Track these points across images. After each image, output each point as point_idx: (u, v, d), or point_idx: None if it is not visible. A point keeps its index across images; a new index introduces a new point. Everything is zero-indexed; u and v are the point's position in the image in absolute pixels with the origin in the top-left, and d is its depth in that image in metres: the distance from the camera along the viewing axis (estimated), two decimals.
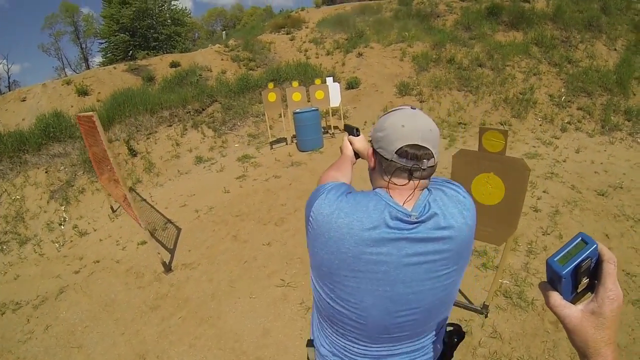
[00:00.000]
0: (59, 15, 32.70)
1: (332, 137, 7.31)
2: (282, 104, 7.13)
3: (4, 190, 6.05)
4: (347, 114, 8.40)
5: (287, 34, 12.93)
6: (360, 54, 10.49)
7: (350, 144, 1.25)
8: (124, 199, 3.66)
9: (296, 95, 6.89)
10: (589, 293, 0.56)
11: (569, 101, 7.48)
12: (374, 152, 0.90)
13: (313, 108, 6.58)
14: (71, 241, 4.88)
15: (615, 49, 8.72)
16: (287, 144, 7.21)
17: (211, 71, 10.27)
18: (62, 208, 5.81)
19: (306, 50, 11.51)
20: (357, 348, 0.91)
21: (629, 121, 6.75)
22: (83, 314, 3.31)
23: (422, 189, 0.86)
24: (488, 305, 2.52)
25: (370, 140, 0.94)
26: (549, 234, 3.53)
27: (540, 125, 7.07)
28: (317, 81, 7.14)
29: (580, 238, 0.55)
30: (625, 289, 2.76)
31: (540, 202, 4.14)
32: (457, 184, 0.93)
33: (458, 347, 1.05)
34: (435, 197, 0.84)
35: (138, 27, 20.69)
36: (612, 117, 6.81)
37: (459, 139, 6.56)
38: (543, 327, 2.47)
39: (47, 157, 6.62)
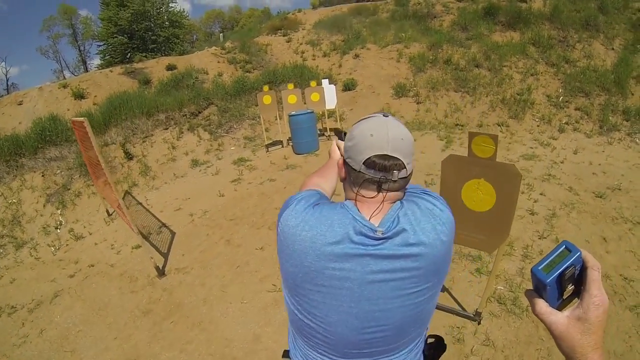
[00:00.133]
0: (57, 17, 32.73)
1: (328, 139, 7.29)
2: (278, 106, 7.11)
3: (0, 194, 6.03)
4: (343, 116, 8.38)
5: (284, 35, 12.91)
6: (356, 56, 10.47)
7: (339, 148, 1.22)
8: (117, 204, 3.64)
9: (291, 97, 6.87)
10: (575, 299, 0.57)
11: (566, 101, 7.45)
12: (344, 162, 0.86)
13: (308, 110, 6.55)
14: (67, 245, 4.87)
15: (613, 49, 8.69)
16: (282, 146, 7.18)
17: (207, 74, 10.25)
18: (59, 212, 5.80)
19: (303, 52, 11.49)
20: None
21: (627, 121, 6.72)
22: (77, 318, 3.32)
23: (393, 202, 0.82)
24: (481, 312, 2.48)
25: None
26: (545, 238, 3.48)
27: (538, 126, 7.04)
28: (313, 83, 7.12)
29: (564, 246, 0.56)
30: (622, 295, 2.72)
31: (537, 204, 4.10)
32: (435, 195, 0.89)
33: (449, 357, 1.02)
34: (406, 210, 0.80)
35: (136, 29, 20.72)
36: (610, 117, 6.77)
37: (455, 141, 6.53)
38: (537, 335, 2.42)
39: (44, 161, 6.60)
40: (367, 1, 15.53)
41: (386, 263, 0.76)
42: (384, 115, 0.83)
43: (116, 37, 20.69)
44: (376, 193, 0.80)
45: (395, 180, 0.78)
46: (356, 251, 0.76)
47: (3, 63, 45.04)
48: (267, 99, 6.76)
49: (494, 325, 2.53)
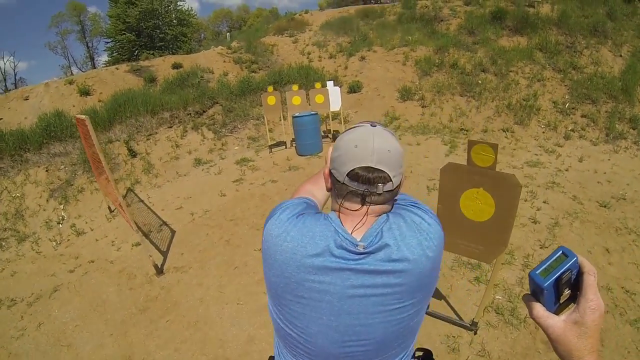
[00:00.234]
0: (66, 14, 33.02)
1: (332, 141, 7.28)
2: (282, 106, 7.10)
3: (4, 187, 6.08)
4: (348, 118, 8.36)
5: (291, 36, 12.92)
6: (363, 58, 10.45)
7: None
8: (117, 202, 3.66)
9: (296, 99, 6.86)
10: (572, 304, 0.58)
11: (573, 108, 7.38)
12: (330, 173, 0.84)
13: (312, 112, 6.55)
14: (68, 240, 4.90)
15: (621, 55, 8.59)
16: (286, 147, 7.18)
17: (213, 73, 10.27)
18: (61, 207, 5.84)
19: (309, 53, 11.49)
20: None
21: (634, 129, 6.63)
22: (74, 313, 3.35)
23: (378, 215, 0.80)
24: (478, 322, 2.45)
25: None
26: (546, 247, 3.44)
27: (544, 132, 6.98)
28: (317, 85, 7.11)
29: (560, 251, 0.58)
30: (623, 308, 2.67)
31: (539, 213, 4.05)
32: (424, 208, 0.86)
33: None
34: (391, 225, 0.77)
35: (144, 27, 20.83)
36: (616, 125, 6.69)
37: (460, 146, 6.49)
38: (534, 347, 2.38)
39: (48, 156, 6.65)
40: (375, 3, 15.49)
41: (367, 278, 0.75)
42: (371, 125, 0.81)
43: (124, 34, 20.81)
44: (360, 206, 0.78)
45: (380, 194, 0.76)
46: (336, 265, 0.75)
47: (11, 57, 45.65)
48: (271, 100, 6.77)
49: (491, 336, 2.49)
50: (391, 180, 0.76)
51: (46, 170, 6.40)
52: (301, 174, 5.78)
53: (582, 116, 7.18)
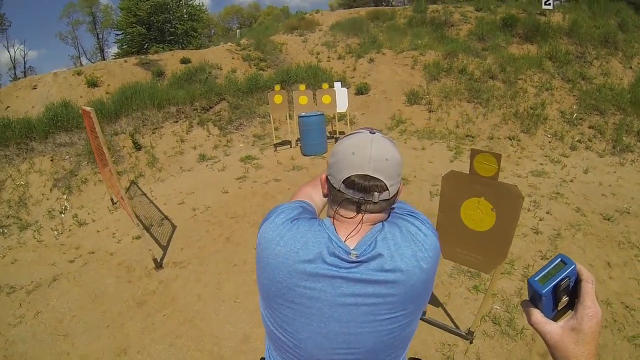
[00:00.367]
0: (78, 4, 33.23)
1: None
2: (289, 105, 7.10)
3: (9, 175, 6.13)
4: (354, 120, 8.35)
5: (300, 35, 12.92)
6: (371, 60, 10.43)
7: None
8: (120, 194, 3.67)
9: (302, 98, 6.86)
10: (569, 311, 0.59)
11: (580, 119, 7.32)
12: (327, 178, 0.83)
13: (319, 112, 6.54)
14: (70, 230, 4.93)
15: (631, 67, 8.51)
16: (291, 146, 7.18)
17: (221, 69, 10.30)
18: (64, 197, 5.88)
19: (318, 53, 11.48)
20: None
21: None
22: (72, 304, 3.37)
23: (373, 224, 0.79)
24: (474, 332, 2.43)
25: None
26: (547, 259, 3.40)
27: (550, 142, 6.92)
28: (325, 85, 7.10)
29: (559, 259, 0.59)
30: (622, 324, 2.64)
31: (542, 223, 4.02)
32: (421, 218, 0.85)
33: None
34: (386, 234, 0.77)
35: (155, 21, 20.89)
36: (624, 138, 6.63)
37: (465, 152, 6.45)
38: (530, 359, 2.37)
39: (53, 146, 6.70)
40: (386, 6, 15.45)
41: (358, 287, 0.74)
42: (370, 132, 0.80)
43: (135, 27, 20.87)
44: (355, 213, 0.77)
45: (375, 202, 0.75)
46: (328, 272, 0.74)
47: (22, 46, 46.01)
48: (278, 99, 6.77)
49: (486, 346, 2.47)
50: (387, 189, 0.76)
51: (51, 160, 6.45)
52: (305, 174, 5.78)
53: (590, 127, 7.12)
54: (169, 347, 2.72)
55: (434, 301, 2.89)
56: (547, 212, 4.27)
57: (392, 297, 0.75)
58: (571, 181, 5.25)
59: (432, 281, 0.82)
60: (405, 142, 7.05)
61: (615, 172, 5.68)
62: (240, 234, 4.16)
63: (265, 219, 0.86)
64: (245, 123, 8.35)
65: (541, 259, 3.41)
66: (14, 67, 32.05)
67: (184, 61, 10.26)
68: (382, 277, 0.73)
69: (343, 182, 0.76)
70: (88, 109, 3.39)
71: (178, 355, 2.64)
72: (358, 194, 0.75)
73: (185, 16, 22.46)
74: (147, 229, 4.54)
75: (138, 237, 4.30)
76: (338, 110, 7.12)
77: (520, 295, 2.93)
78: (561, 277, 0.56)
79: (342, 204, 0.78)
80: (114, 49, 29.98)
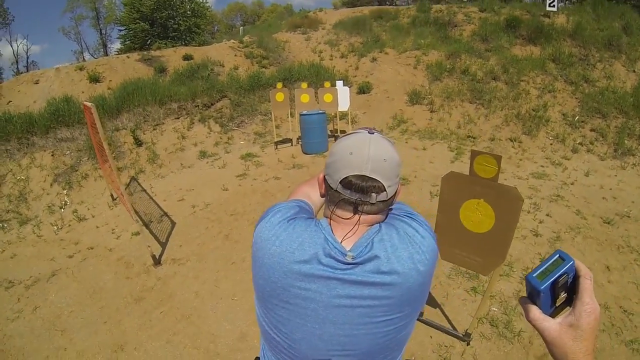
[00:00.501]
0: None
1: None
2: (290, 103, 7.09)
3: (9, 170, 6.14)
4: (355, 119, 8.33)
5: (303, 34, 12.89)
6: (374, 59, 10.40)
7: None
8: (119, 190, 3.67)
9: (304, 96, 6.85)
10: (568, 307, 0.59)
11: (582, 121, 7.29)
12: (324, 178, 0.83)
13: (320, 111, 6.53)
14: (69, 225, 4.93)
15: (634, 71, 8.46)
16: (292, 145, 7.18)
17: (223, 66, 10.28)
18: (65, 192, 5.88)
19: (321, 52, 11.45)
20: None
21: None
22: (71, 299, 3.37)
23: (370, 225, 0.79)
24: (471, 333, 2.42)
25: None
26: None
27: (551, 144, 6.90)
28: (327, 84, 7.09)
29: (558, 255, 0.58)
30: (620, 328, 2.63)
31: (541, 226, 4.01)
32: (419, 219, 0.84)
33: None
34: (383, 236, 0.76)
35: (158, 17, 20.86)
36: (625, 141, 6.60)
37: (466, 153, 6.44)
38: None
39: (54, 141, 6.70)
40: (389, 5, 15.40)
41: (354, 289, 0.73)
42: (369, 132, 0.79)
43: (138, 23, 20.84)
44: (352, 214, 0.76)
45: (372, 203, 0.74)
46: (323, 273, 0.73)
47: (25, 40, 46.07)
48: (279, 96, 6.76)
49: (483, 348, 2.47)
50: (385, 190, 0.75)
51: (52, 155, 6.45)
52: (305, 172, 5.77)
53: (592, 130, 7.09)
54: (166, 344, 2.73)
55: (432, 302, 2.89)
56: (547, 215, 4.26)
57: (388, 300, 0.74)
58: (572, 184, 5.24)
59: (429, 284, 0.81)
60: (407, 142, 7.03)
61: (616, 175, 5.66)
62: (239, 232, 4.16)
63: (262, 218, 0.85)
64: (246, 120, 8.35)
65: (540, 261, 3.39)
66: (17, 62, 32.06)
67: (187, 58, 10.24)
68: (378, 279, 0.73)
69: (340, 183, 0.75)
70: (89, 104, 3.39)
71: (174, 352, 2.64)
72: (355, 194, 0.74)
73: (188, 13, 22.41)
74: (146, 225, 4.54)
75: (137, 234, 4.30)
76: (340, 109, 7.11)
77: (518, 298, 2.92)
78: (559, 273, 0.56)
79: (339, 204, 0.77)
80: (116, 45, 30.01)
